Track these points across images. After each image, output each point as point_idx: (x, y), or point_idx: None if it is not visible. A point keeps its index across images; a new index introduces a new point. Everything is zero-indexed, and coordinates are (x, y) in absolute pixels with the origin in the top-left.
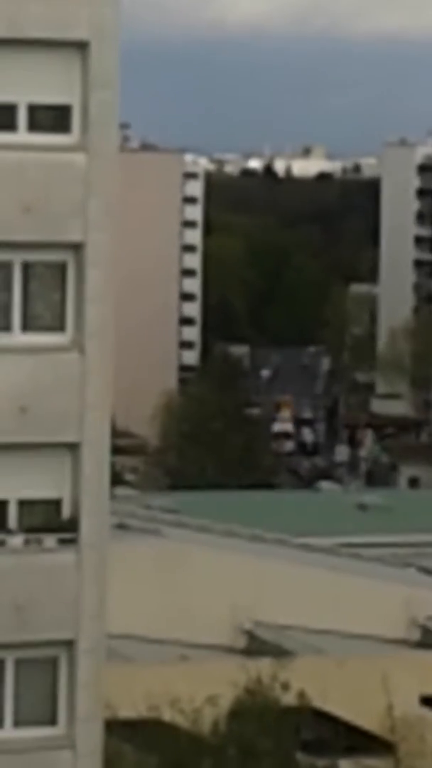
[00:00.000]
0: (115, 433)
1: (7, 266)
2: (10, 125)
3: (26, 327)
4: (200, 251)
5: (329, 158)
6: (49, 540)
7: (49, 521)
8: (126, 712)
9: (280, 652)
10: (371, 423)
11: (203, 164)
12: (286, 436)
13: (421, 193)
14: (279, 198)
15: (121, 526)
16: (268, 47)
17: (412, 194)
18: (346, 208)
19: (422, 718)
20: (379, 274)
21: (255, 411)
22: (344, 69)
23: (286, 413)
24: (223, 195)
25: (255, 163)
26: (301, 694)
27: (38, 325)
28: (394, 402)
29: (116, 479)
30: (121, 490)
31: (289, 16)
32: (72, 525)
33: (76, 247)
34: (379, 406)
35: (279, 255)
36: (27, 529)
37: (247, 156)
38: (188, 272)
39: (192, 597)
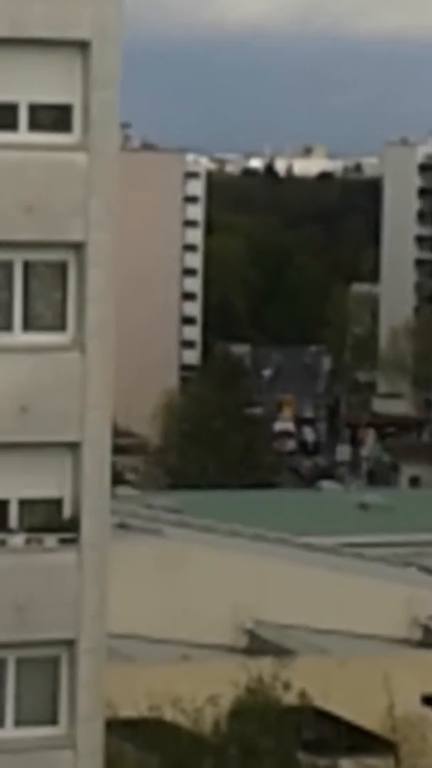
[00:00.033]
0: (116, 432)
1: (8, 266)
2: (11, 125)
3: (27, 326)
4: (201, 251)
5: (330, 158)
6: (50, 540)
7: (50, 521)
8: (127, 712)
9: (281, 652)
10: (372, 422)
11: (204, 164)
12: (287, 435)
13: (423, 192)
14: (280, 197)
15: (122, 526)
16: (269, 47)
17: (413, 194)
18: (347, 207)
19: (424, 717)
20: (380, 274)
21: (256, 410)
22: (345, 68)
23: (287, 413)
24: (224, 194)
25: (256, 163)
26: (303, 694)
27: (39, 325)
28: (395, 401)
29: (117, 479)
30: (122, 490)
31: (290, 16)
32: (73, 525)
33: (77, 247)
34: (380, 406)
35: (280, 254)
36: (28, 528)
37: (248, 155)
38: (189, 272)
39: (193, 596)
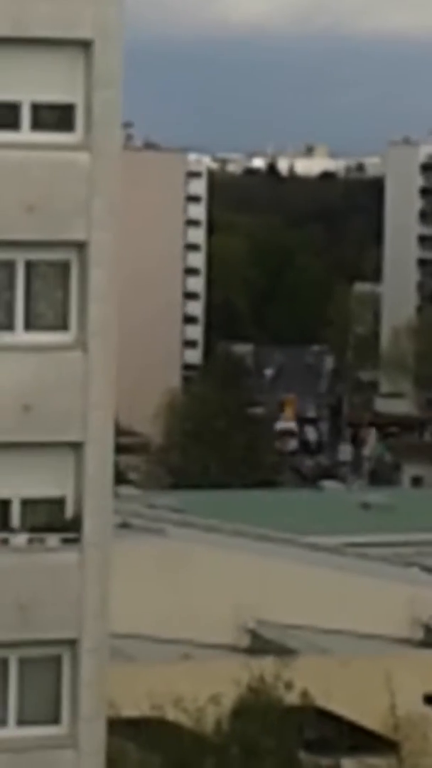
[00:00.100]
0: (119, 431)
1: (10, 265)
2: (13, 124)
3: (29, 326)
4: (203, 250)
5: (332, 157)
6: (53, 539)
7: (53, 520)
8: (129, 711)
9: (283, 652)
10: (375, 422)
11: (206, 163)
12: (289, 434)
13: (425, 191)
14: (282, 197)
15: (124, 526)
16: (271, 46)
17: (415, 193)
18: (349, 207)
19: (425, 717)
20: (382, 273)
21: (258, 410)
22: (348, 68)
23: (289, 412)
24: (226, 194)
25: (258, 162)
26: (305, 693)
27: (41, 324)
28: (397, 401)
29: (119, 478)
30: (124, 489)
31: (292, 15)
32: (75, 524)
33: (80, 246)
34: (382, 405)
35: (282, 254)
36: (30, 528)
37: (251, 155)
38: (191, 271)
39: (195, 596)
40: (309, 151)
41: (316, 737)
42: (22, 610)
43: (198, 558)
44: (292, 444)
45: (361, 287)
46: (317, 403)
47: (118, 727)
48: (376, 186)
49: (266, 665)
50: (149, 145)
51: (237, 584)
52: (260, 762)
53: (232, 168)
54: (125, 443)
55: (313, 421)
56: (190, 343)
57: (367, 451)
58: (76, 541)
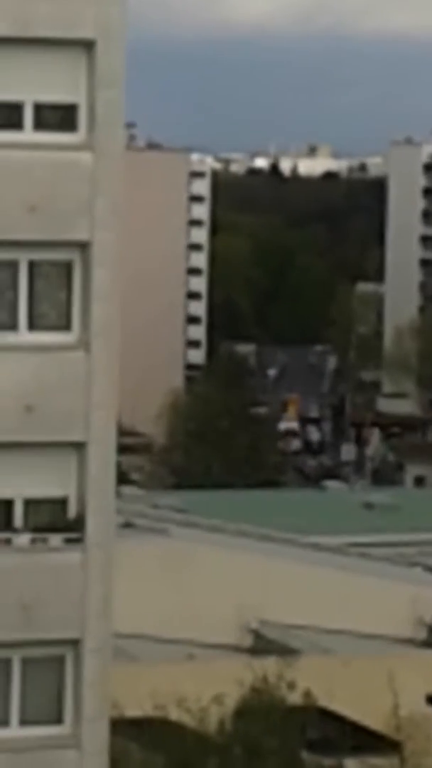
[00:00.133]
0: (121, 432)
1: (13, 265)
2: (16, 124)
3: (32, 326)
4: (206, 250)
5: (335, 157)
6: (55, 539)
7: (55, 520)
8: (132, 711)
9: (286, 652)
10: (377, 422)
11: (209, 163)
12: (292, 434)
13: (427, 192)
14: (285, 197)
15: (127, 525)
16: (273, 46)
17: (418, 193)
18: (352, 207)
19: (428, 717)
20: (385, 273)
21: (261, 410)
22: (350, 68)
23: (292, 412)
24: (229, 194)
25: (261, 162)
26: (307, 693)
27: (44, 324)
28: (400, 401)
29: (122, 478)
30: (127, 489)
31: (294, 15)
32: (78, 524)
33: (83, 246)
34: (385, 405)
35: (285, 254)
36: (33, 528)
37: (253, 155)
38: (194, 271)
39: (198, 596)
40: (312, 151)
41: (319, 737)
42: (25, 610)
43: (201, 558)
44: (295, 444)
45: (364, 287)
46: (320, 403)
47: (121, 727)
48: (379, 186)
49: (269, 665)
50: (152, 145)
51: (240, 584)
52: (263, 762)
53: (235, 168)
54: (128, 443)
55: (316, 421)
56: (193, 343)
57: (370, 451)
58: (79, 541)
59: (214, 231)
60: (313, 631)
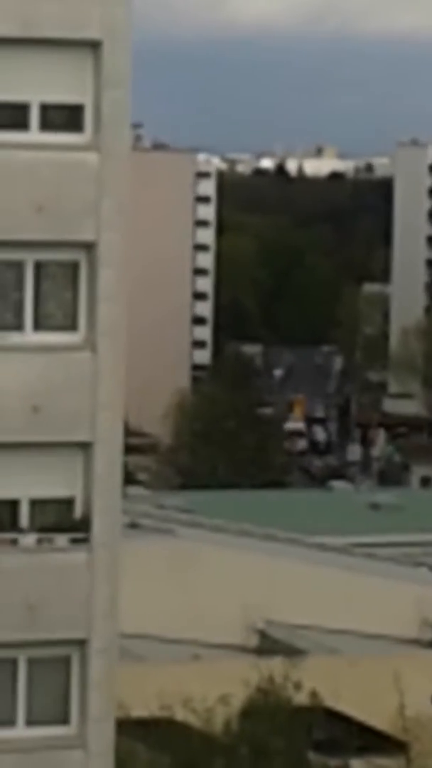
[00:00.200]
0: (128, 432)
1: (19, 265)
2: (22, 124)
3: (38, 326)
4: (212, 250)
5: (341, 158)
6: (61, 539)
7: (62, 520)
8: (138, 712)
9: (292, 652)
10: (383, 422)
11: (215, 164)
12: (298, 435)
13: None
14: (291, 197)
15: (133, 526)
16: (279, 46)
17: (424, 194)
18: (358, 207)
19: None
20: (391, 274)
21: (267, 410)
22: (356, 68)
23: (298, 412)
24: (235, 194)
25: (267, 163)
26: (314, 694)
27: (50, 325)
28: (406, 401)
29: (128, 478)
30: (133, 490)
31: (300, 16)
32: (84, 524)
33: (89, 247)
34: (391, 406)
35: (291, 254)
36: (39, 528)
37: (259, 155)
38: (200, 271)
39: (204, 596)
40: (318, 152)
41: (325, 737)
42: (31, 610)
43: (207, 558)
44: (301, 444)
45: (370, 288)
46: (326, 404)
47: (127, 727)
48: (385, 186)
49: (275, 665)
50: (158, 146)
51: (246, 584)
52: (269, 762)
53: (241, 168)
54: (134, 444)
55: (322, 422)
56: (199, 344)
57: (375, 451)
58: (85, 541)
59: (221, 231)
60: (319, 631)
